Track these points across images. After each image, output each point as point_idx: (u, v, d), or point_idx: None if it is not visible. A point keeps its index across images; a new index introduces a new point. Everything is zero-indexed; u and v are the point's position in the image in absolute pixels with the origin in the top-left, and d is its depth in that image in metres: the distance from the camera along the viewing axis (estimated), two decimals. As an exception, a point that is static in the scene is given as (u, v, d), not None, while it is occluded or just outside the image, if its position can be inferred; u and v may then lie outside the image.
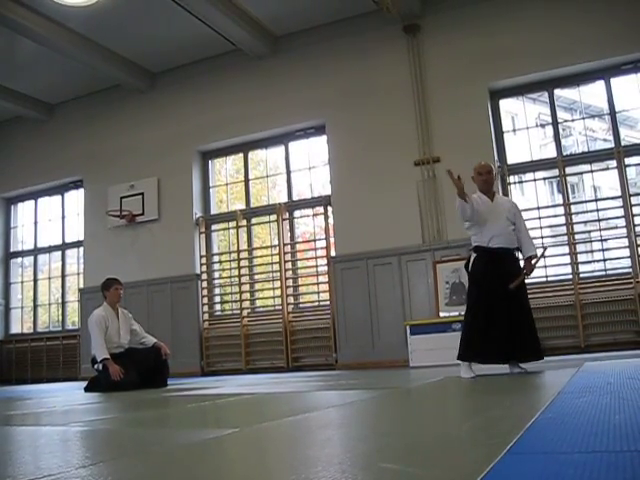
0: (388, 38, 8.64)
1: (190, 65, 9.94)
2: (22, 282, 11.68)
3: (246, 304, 9.41)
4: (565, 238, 7.76)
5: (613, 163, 7.73)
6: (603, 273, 7.68)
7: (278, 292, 9.10)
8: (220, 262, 9.94)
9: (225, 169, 10.33)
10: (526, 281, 4.93)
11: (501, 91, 8.35)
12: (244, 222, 9.65)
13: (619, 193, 7.59)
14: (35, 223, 11.63)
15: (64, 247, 11.24)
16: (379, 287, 8.24)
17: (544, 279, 7.86)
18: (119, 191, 10.03)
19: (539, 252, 5.01)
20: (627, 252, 7.45)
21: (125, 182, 10.03)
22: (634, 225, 7.39)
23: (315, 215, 9.31)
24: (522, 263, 4.95)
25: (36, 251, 11.54)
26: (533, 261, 4.87)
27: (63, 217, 11.33)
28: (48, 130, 11.15)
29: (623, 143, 7.92)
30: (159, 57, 9.77)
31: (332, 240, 8.82)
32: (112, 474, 1.61)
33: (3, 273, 11.49)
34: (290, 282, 9.14)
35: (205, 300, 9.56)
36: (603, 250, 7.77)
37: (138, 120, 10.29)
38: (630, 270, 7.37)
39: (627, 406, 2.29)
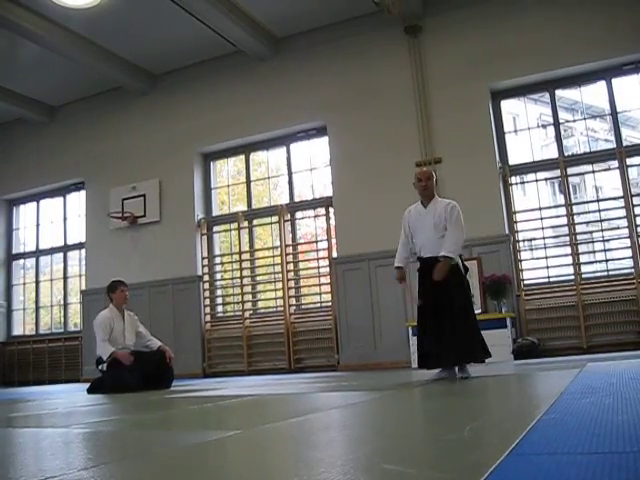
0: (389, 39, 8.64)
1: (191, 67, 9.95)
2: (24, 284, 11.69)
3: (248, 305, 9.41)
4: (567, 239, 7.76)
5: (615, 163, 7.72)
6: (605, 274, 7.67)
7: (280, 293, 9.09)
8: (222, 263, 9.94)
9: (226, 171, 10.34)
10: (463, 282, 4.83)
11: (502, 92, 8.35)
12: (246, 223, 9.66)
13: (621, 193, 7.59)
14: (37, 225, 11.64)
15: (66, 249, 11.25)
16: (381, 288, 8.23)
17: (546, 280, 7.87)
18: (121, 193, 10.04)
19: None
20: (629, 252, 7.44)
21: (127, 184, 10.04)
22: (636, 225, 7.38)
23: (317, 216, 9.32)
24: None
25: (38, 253, 11.54)
26: (439, 265, 4.65)
27: (65, 219, 11.35)
28: (50, 132, 11.16)
29: (625, 143, 7.91)
30: (160, 59, 9.78)
31: (334, 241, 8.82)
32: (114, 476, 1.61)
33: (5, 275, 11.50)
34: (292, 283, 9.14)
35: (207, 302, 9.57)
36: (605, 251, 7.76)
37: (139, 122, 10.30)
38: (632, 270, 7.36)
39: (630, 406, 2.29)
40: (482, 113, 8.12)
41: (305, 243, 9.95)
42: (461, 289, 4.76)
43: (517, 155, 8.34)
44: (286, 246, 9.14)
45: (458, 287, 4.74)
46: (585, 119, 8.55)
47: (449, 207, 4.77)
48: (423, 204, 4.91)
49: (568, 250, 7.72)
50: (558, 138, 8.20)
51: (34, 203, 11.67)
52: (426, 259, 4.82)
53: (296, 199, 9.51)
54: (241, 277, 9.39)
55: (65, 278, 11.20)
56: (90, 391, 6.10)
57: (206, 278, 9.61)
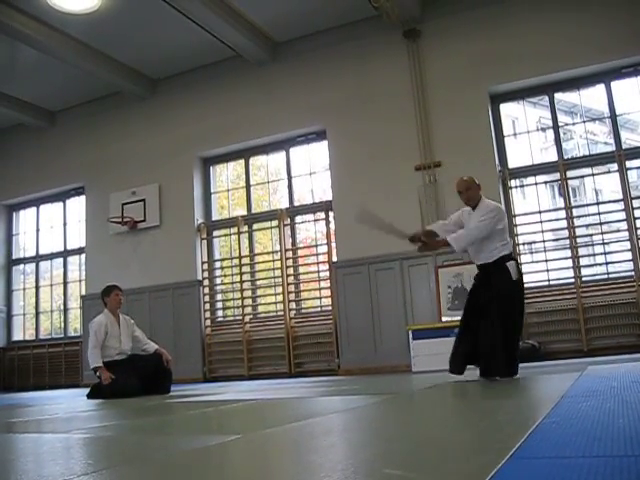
0: (388, 43, 8.65)
1: (191, 72, 9.96)
2: (24, 289, 11.68)
3: (248, 310, 9.41)
4: (567, 242, 7.76)
5: (614, 166, 7.72)
6: (605, 276, 7.67)
7: (280, 298, 9.08)
8: (222, 268, 9.93)
9: (226, 175, 10.34)
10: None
11: (501, 95, 8.36)
12: (245, 228, 9.66)
13: (620, 196, 7.59)
14: (37, 230, 11.63)
15: (66, 254, 11.25)
16: (381, 292, 8.22)
17: (546, 283, 7.86)
18: (121, 198, 10.04)
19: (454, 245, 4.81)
20: (629, 255, 7.44)
21: (126, 189, 10.04)
22: (636, 228, 7.38)
23: (316, 220, 9.31)
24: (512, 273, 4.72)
25: (38, 258, 11.54)
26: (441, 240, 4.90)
27: (65, 224, 11.34)
28: (49, 137, 11.17)
29: (624, 146, 7.92)
30: (160, 64, 9.79)
31: (333, 245, 8.81)
32: (115, 481, 1.61)
33: (5, 280, 11.49)
34: (292, 288, 9.13)
35: (207, 306, 9.56)
36: (605, 253, 7.76)
37: (139, 127, 10.31)
38: (632, 273, 7.36)
39: (631, 410, 2.28)
40: (481, 117, 8.13)
41: (305, 247, 9.95)
42: (509, 300, 4.66)
43: (517, 158, 8.35)
44: (286, 250, 9.14)
45: (506, 298, 4.67)
46: (584, 122, 8.56)
47: (486, 209, 4.78)
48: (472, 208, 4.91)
49: (568, 253, 7.72)
50: (557, 141, 8.20)
51: (34, 208, 11.67)
52: (480, 266, 4.85)
53: (296, 203, 9.51)
54: (241, 281, 9.38)
55: (65, 283, 11.19)
56: (90, 396, 6.10)
57: (206, 283, 9.60)
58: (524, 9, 8.02)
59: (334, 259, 8.72)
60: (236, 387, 6.83)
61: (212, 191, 10.07)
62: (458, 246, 4.76)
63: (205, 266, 9.64)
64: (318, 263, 9.17)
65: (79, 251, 10.96)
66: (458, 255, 7.85)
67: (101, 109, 10.66)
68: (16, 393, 9.74)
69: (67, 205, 11.36)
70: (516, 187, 8.33)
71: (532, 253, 8.18)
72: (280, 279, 9.07)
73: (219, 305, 9.85)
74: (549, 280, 7.85)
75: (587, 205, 8.59)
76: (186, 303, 9.45)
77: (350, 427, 2.63)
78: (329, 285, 8.78)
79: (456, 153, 8.03)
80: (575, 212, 8.04)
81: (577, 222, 7.94)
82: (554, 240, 8.08)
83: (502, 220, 4.78)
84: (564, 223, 7.82)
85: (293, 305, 9.10)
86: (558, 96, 8.43)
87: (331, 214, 8.90)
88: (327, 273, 8.87)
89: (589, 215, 8.04)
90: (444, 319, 7.61)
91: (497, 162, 8.05)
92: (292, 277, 9.17)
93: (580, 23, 7.75)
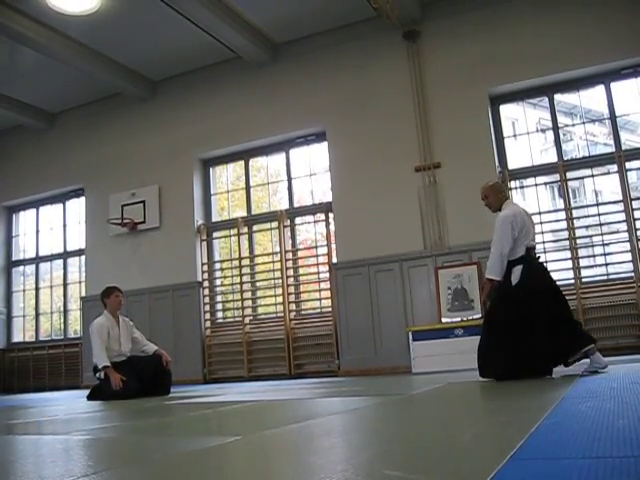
0: (388, 44, 8.66)
1: (191, 73, 9.97)
2: (24, 290, 11.67)
3: (248, 311, 9.40)
4: (567, 243, 7.76)
5: (614, 167, 7.73)
6: (605, 278, 7.67)
7: (280, 299, 9.08)
8: (222, 269, 9.93)
9: (226, 176, 10.34)
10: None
11: (501, 96, 8.36)
12: (245, 229, 9.66)
13: (620, 197, 7.59)
14: (37, 232, 11.63)
15: (66, 255, 11.24)
16: (381, 293, 8.22)
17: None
18: (120, 199, 10.04)
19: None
20: (629, 256, 7.44)
21: (126, 190, 10.04)
22: (635, 229, 7.38)
23: (316, 222, 9.31)
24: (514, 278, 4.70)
25: (38, 259, 11.54)
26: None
27: (65, 225, 11.34)
28: (49, 139, 11.17)
29: (624, 147, 7.92)
30: (160, 65, 9.80)
31: (333, 247, 8.82)
32: (114, 483, 1.60)
33: (5, 282, 11.49)
34: (292, 289, 9.13)
35: (207, 307, 9.55)
36: (605, 255, 7.76)
37: (139, 128, 10.31)
38: (632, 274, 7.36)
39: (630, 411, 2.28)
40: (481, 118, 8.13)
41: (305, 249, 9.95)
42: (496, 307, 4.71)
43: (516, 159, 8.35)
44: (286, 252, 9.14)
45: (494, 302, 4.76)
46: (584, 123, 8.56)
47: (497, 222, 4.73)
48: None
49: (568, 254, 7.72)
50: (557, 142, 8.20)
51: (34, 210, 11.67)
52: None
53: (296, 205, 9.51)
54: (241, 283, 9.37)
55: (65, 285, 11.19)
56: (90, 397, 6.10)
57: (206, 284, 9.60)
58: (524, 10, 8.03)
59: (334, 260, 8.72)
60: (236, 388, 6.83)
61: (212, 192, 10.07)
62: (494, 274, 4.68)
63: (205, 267, 9.64)
64: (318, 264, 9.16)
65: (79, 252, 10.96)
66: (458, 256, 7.90)
67: (101, 111, 10.66)
68: (16, 395, 9.73)
69: (67, 206, 11.36)
70: (516, 188, 8.33)
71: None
72: (280, 280, 9.07)
73: (219, 306, 9.85)
74: (549, 281, 7.84)
75: (587, 206, 8.58)
76: (186, 304, 9.45)
77: (350, 428, 2.63)
78: (329, 286, 8.78)
79: (456, 154, 8.04)
80: (575, 213, 8.04)
81: (577, 223, 7.94)
82: (554, 241, 8.08)
83: (514, 229, 4.65)
84: (564, 224, 7.82)
85: (293, 306, 9.10)
86: (558, 97, 8.43)
87: (331, 215, 8.91)
88: (327, 274, 8.87)
89: (589, 216, 8.04)
90: (444, 320, 7.62)
91: (497, 163, 8.05)
92: (292, 278, 9.17)
93: (580, 24, 7.75)
